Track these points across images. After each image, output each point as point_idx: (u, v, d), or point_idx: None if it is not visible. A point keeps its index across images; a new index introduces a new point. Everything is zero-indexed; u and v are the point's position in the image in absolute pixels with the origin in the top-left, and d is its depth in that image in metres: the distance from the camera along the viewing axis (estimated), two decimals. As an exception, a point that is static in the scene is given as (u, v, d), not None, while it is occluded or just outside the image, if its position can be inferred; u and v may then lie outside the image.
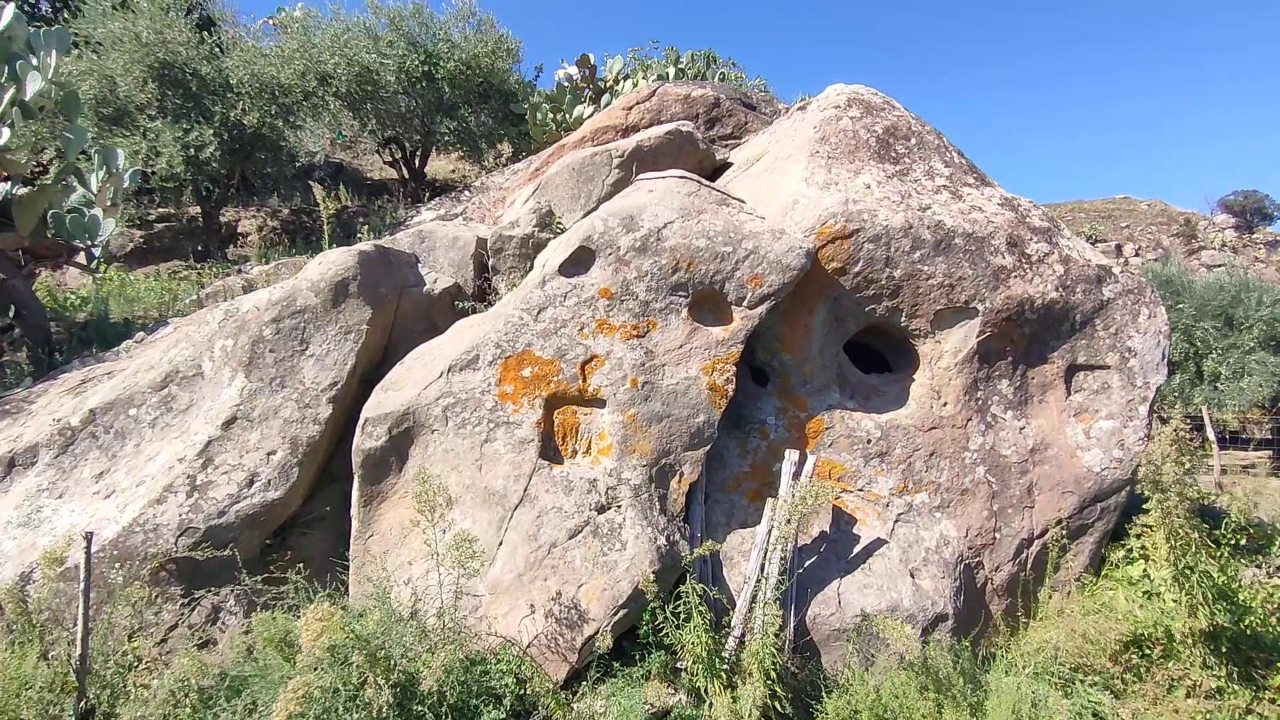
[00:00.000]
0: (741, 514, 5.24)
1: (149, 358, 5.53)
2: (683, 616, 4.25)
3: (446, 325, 6.02)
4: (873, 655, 4.69)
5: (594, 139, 9.29)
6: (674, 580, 4.59)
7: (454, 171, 19.89)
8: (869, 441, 5.59)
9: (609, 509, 4.62)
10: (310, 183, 12.90)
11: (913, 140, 6.64)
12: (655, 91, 10.72)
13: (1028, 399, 5.91)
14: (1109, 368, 5.90)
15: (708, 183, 5.71)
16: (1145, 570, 5.58)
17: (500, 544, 4.52)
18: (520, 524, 4.53)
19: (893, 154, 6.50)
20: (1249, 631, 4.97)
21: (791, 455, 5.10)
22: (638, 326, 5.10)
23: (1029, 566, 5.66)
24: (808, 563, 5.00)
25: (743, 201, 5.69)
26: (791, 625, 4.66)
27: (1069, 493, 5.72)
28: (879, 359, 6.49)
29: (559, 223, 6.49)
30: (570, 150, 8.94)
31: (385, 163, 18.06)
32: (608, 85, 16.57)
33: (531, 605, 4.33)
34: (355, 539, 4.95)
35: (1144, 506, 5.89)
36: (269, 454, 4.95)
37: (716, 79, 16.73)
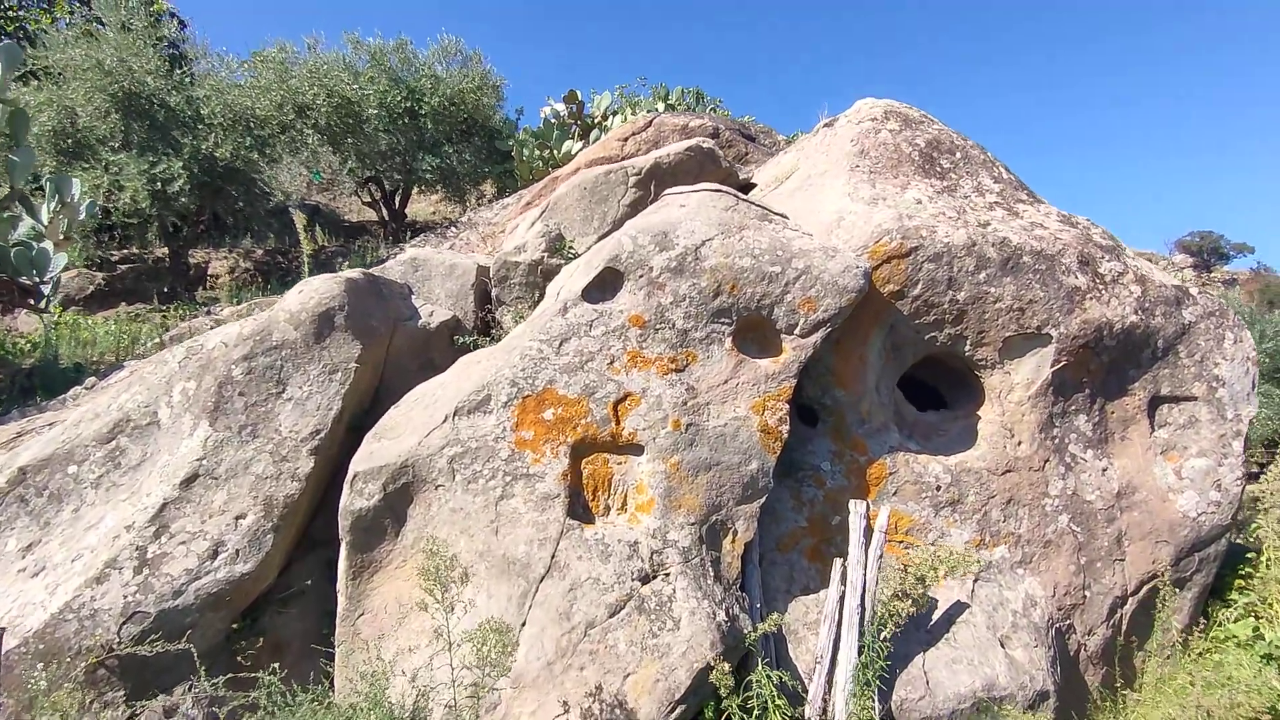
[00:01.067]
0: (802, 578, 4.45)
1: (95, 405, 4.68)
2: (755, 713, 3.44)
3: (445, 363, 5.25)
4: (974, 749, 3.90)
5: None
6: (735, 662, 3.78)
7: (435, 213, 19.23)
8: (938, 488, 4.86)
9: (655, 578, 3.82)
10: (291, 210, 12.16)
11: (957, 154, 6.07)
12: (652, 121, 10.19)
13: (1108, 436, 5.23)
14: (1196, 399, 5.26)
15: (745, 197, 5.05)
16: (1257, 629, 4.85)
17: (524, 624, 3.69)
18: (548, 599, 3.71)
19: (938, 169, 5.91)
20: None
21: (857, 507, 4.36)
22: (676, 359, 4.37)
23: (1124, 629, 4.91)
24: (883, 635, 4.22)
25: (785, 217, 5.03)
26: (878, 715, 3.85)
27: (1163, 542, 5.01)
28: (930, 395, 5.80)
29: (570, 247, 5.80)
30: (564, 181, 8.32)
31: (364, 203, 17.36)
32: (596, 121, 16.11)
33: (565, 702, 3.49)
34: (342, 620, 4.09)
35: (1247, 556, 5.23)
36: (237, 518, 4.10)
37: (708, 114, 16.36)
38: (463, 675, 3.34)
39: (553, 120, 15.90)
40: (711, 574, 3.92)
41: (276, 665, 3.40)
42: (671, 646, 3.57)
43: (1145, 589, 4.95)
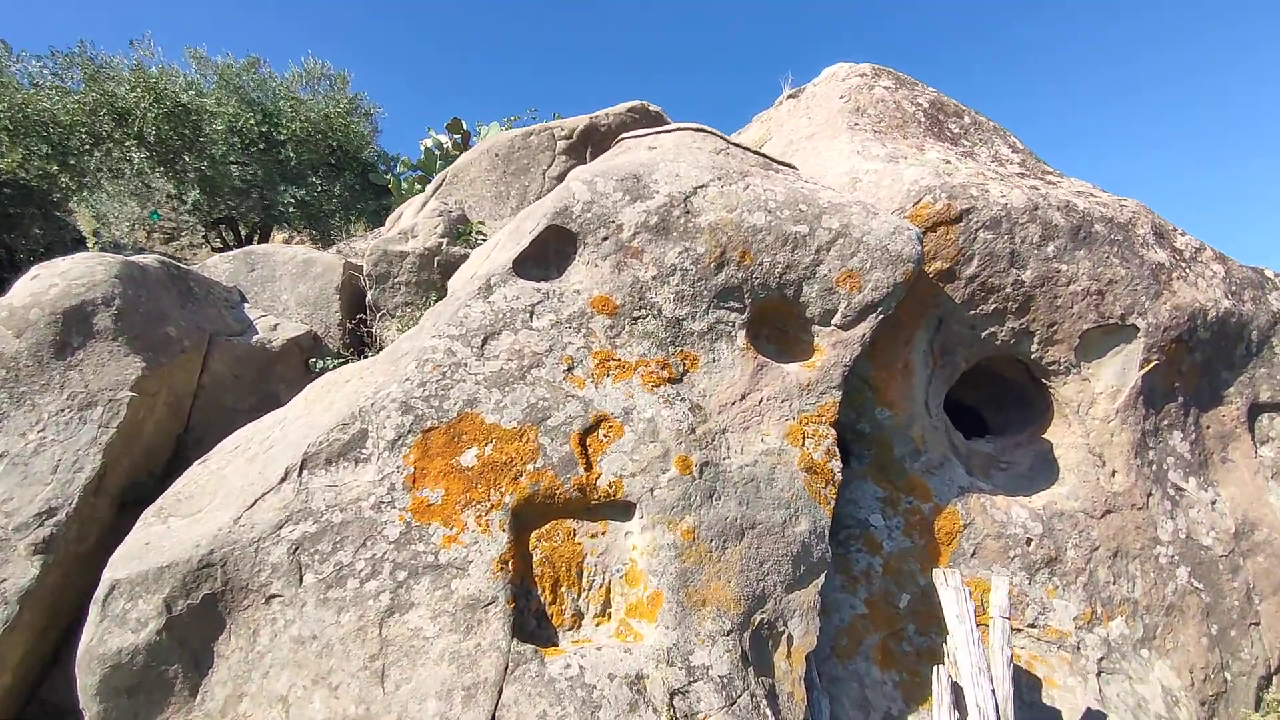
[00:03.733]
0: (880, 699, 2.86)
1: None
2: None
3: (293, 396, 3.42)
4: None
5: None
6: None
7: (300, 261, 16.91)
8: (1028, 543, 3.43)
9: (680, 741, 2.12)
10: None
11: (966, 119, 4.90)
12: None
13: (1207, 458, 4.01)
14: (1301, 406, 4.15)
15: (736, 141, 3.60)
16: None
17: None
18: (488, 811, 1.93)
19: (948, 132, 4.70)
20: None
21: (949, 579, 2.86)
22: (668, 363, 2.78)
23: (1274, 721, 3.59)
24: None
25: (793, 167, 3.61)
26: None
27: (1300, 596, 3.78)
28: (964, 416, 4.43)
29: (479, 232, 4.14)
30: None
31: (214, 249, 14.91)
32: (484, 153, 14.53)
33: None
34: None
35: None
36: None
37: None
38: None
39: (436, 151, 14.22)
40: (771, 718, 2.26)
41: None
42: None
43: (1291, 662, 3.68)
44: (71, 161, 9.08)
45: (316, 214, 14.00)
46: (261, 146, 12.59)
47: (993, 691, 2.56)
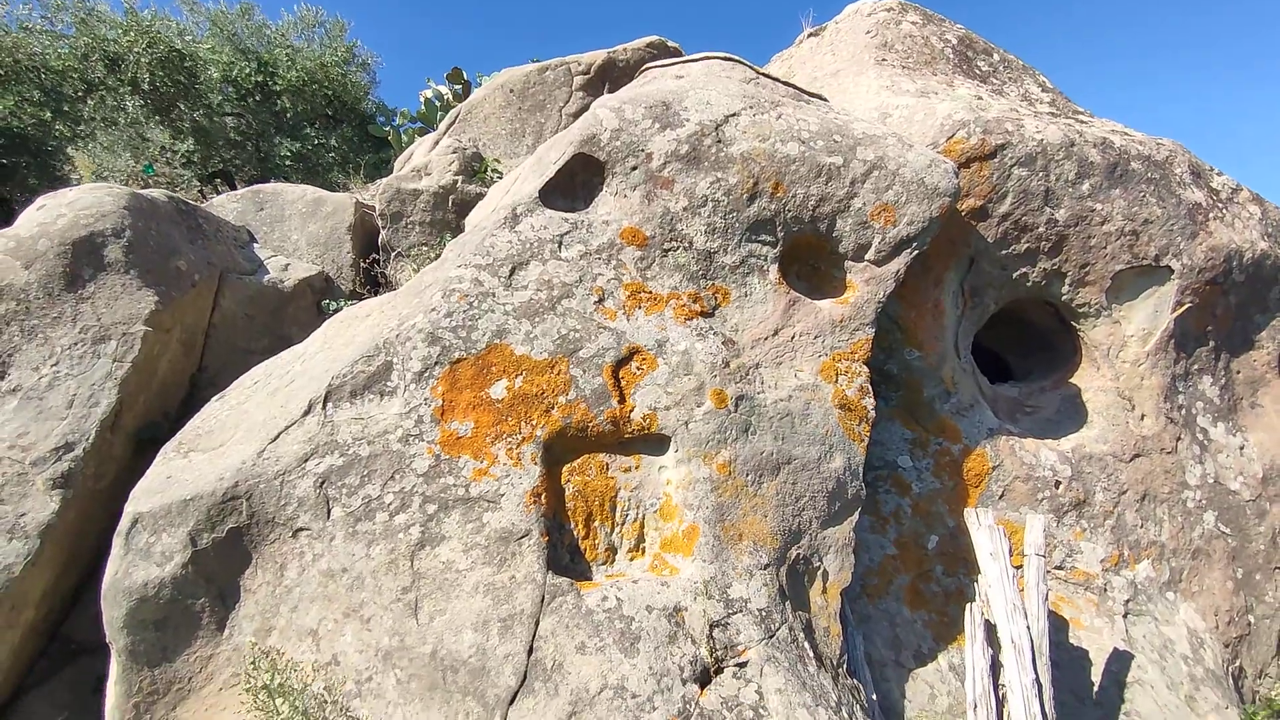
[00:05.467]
0: (911, 638, 2.83)
1: None
2: None
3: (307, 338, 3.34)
4: None
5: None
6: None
7: (299, 216, 16.65)
8: (1057, 485, 3.38)
9: (721, 671, 2.08)
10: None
11: (995, 56, 4.74)
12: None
13: (1236, 403, 3.95)
14: (1331, 351, 4.07)
15: (765, 71, 3.46)
16: None
17: (481, 796, 1.87)
18: (529, 740, 1.90)
19: (977, 70, 4.55)
20: None
21: (982, 519, 2.82)
22: (699, 297, 2.69)
23: (1297, 664, 3.59)
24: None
25: (823, 98, 3.48)
26: None
27: (1326, 540, 3.75)
28: (986, 358, 4.36)
29: (494, 169, 4.01)
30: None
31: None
32: (486, 104, 14.17)
33: None
34: (113, 797, 2.13)
35: None
36: (-121, 622, 2.07)
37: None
38: None
39: (436, 102, 13.90)
40: (810, 652, 2.23)
41: None
42: (780, 814, 1.85)
43: (1315, 606, 3.67)
44: (65, 108, 8.85)
45: (314, 167, 13.66)
46: (257, 97, 12.26)
47: (1028, 628, 2.52)
